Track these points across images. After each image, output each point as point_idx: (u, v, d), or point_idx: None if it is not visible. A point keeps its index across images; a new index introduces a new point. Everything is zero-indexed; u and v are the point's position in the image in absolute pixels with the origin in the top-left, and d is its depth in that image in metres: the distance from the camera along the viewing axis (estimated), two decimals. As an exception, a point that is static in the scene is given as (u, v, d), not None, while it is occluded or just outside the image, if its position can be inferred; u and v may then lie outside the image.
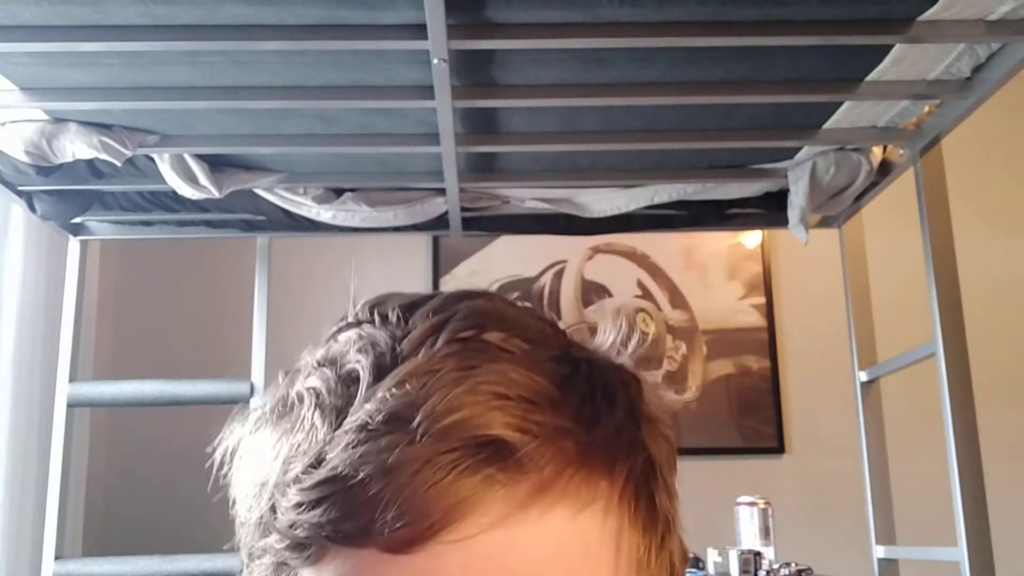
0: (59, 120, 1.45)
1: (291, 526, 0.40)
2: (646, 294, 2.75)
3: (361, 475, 0.38)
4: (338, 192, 1.78)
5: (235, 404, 1.86)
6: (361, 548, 0.39)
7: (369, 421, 0.39)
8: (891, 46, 1.27)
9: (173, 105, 1.38)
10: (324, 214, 1.78)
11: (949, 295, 1.52)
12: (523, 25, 1.17)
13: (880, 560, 1.78)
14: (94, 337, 2.38)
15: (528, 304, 0.45)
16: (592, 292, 2.74)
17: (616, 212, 1.82)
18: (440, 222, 1.88)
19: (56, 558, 1.77)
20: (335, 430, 0.40)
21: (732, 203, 1.86)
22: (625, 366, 0.45)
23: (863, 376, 1.85)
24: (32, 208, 1.73)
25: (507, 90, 1.37)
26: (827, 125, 1.54)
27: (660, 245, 2.76)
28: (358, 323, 0.45)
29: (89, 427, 2.31)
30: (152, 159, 1.60)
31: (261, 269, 1.97)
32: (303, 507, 0.39)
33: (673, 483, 0.45)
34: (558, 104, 1.42)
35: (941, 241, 1.54)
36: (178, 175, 1.58)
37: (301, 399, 0.43)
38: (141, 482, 2.51)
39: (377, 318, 0.44)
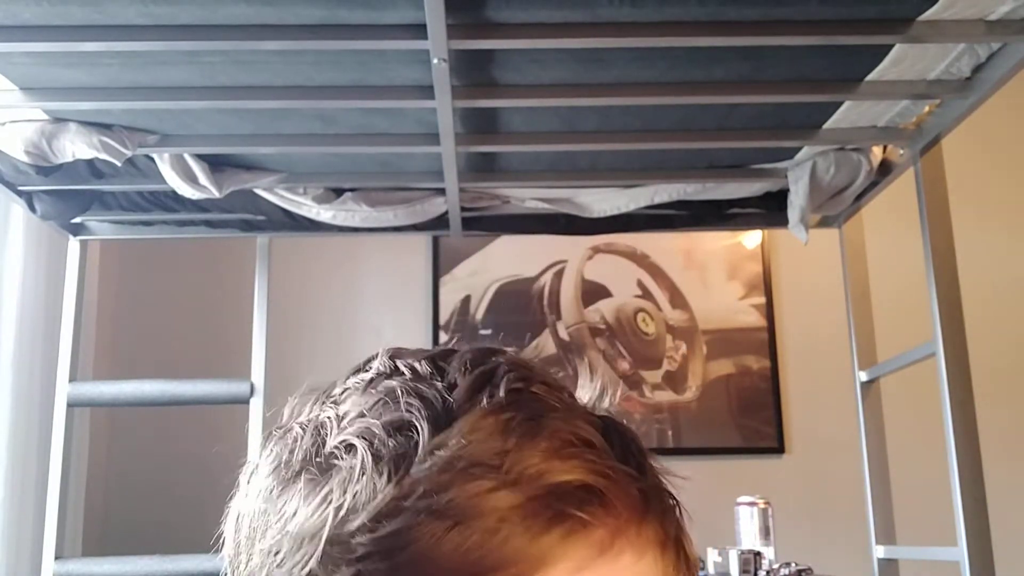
0: (59, 120, 1.45)
1: None
2: (646, 294, 2.75)
3: (445, 521, 0.38)
4: (338, 192, 1.78)
5: (235, 404, 1.86)
6: None
7: (448, 468, 0.39)
8: (891, 46, 1.27)
9: (173, 105, 1.38)
10: (324, 214, 1.78)
11: (949, 295, 1.52)
12: (523, 25, 1.17)
13: (880, 560, 1.78)
14: (94, 337, 2.38)
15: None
16: (592, 292, 2.74)
17: (616, 212, 1.82)
18: (440, 222, 1.88)
19: (56, 558, 1.77)
20: (401, 479, 0.39)
21: (732, 203, 1.86)
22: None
23: (863, 376, 1.85)
24: (32, 208, 1.73)
25: (507, 90, 1.37)
26: (827, 125, 1.54)
27: (660, 245, 2.76)
28: (388, 375, 0.44)
29: (89, 427, 2.31)
30: (152, 159, 1.60)
31: (261, 269, 1.97)
32: (375, 556, 0.38)
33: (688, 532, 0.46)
34: (558, 104, 1.42)
35: (941, 241, 1.54)
36: (178, 175, 1.58)
37: (350, 449, 0.41)
38: (141, 482, 2.51)
39: (407, 371, 0.44)
